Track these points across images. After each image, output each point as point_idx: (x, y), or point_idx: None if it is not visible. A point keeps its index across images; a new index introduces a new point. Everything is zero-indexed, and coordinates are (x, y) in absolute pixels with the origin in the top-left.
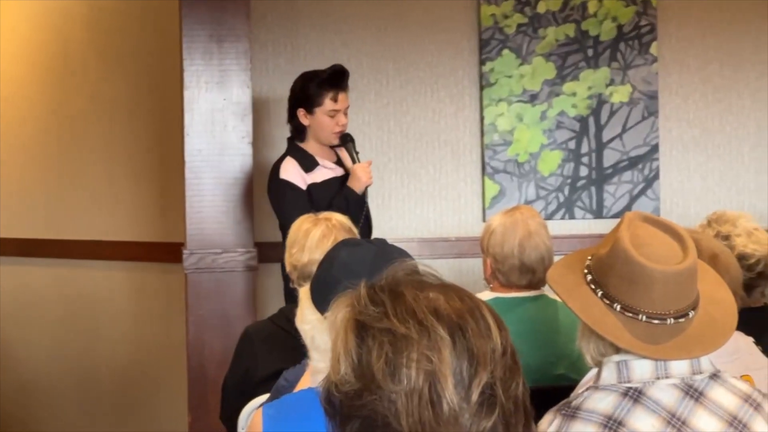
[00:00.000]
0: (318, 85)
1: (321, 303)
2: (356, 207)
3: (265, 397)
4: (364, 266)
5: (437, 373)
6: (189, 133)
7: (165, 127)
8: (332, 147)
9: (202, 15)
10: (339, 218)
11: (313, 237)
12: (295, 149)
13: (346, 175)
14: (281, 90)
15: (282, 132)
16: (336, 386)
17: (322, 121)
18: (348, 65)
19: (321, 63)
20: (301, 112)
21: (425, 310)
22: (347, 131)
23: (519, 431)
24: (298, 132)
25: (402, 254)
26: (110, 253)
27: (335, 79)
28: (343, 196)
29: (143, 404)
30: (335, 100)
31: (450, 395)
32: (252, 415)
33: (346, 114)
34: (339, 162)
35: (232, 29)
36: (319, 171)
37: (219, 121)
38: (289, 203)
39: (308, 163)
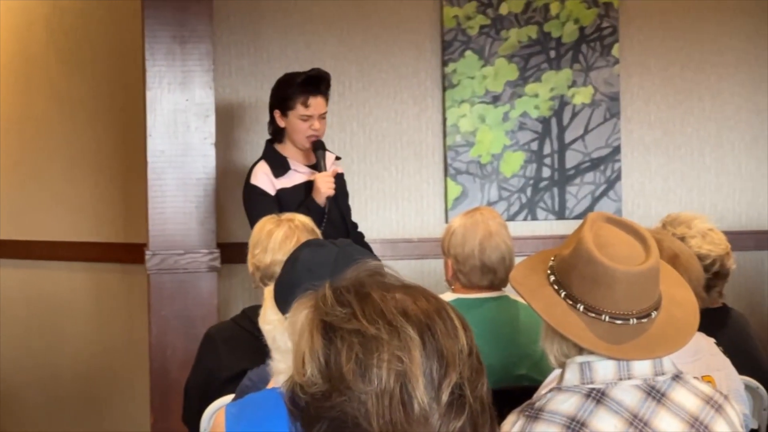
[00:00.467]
0: (292, 88)
1: (283, 304)
2: (316, 217)
3: (228, 398)
4: (326, 267)
5: (408, 374)
6: (151, 134)
7: (127, 127)
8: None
9: (164, 16)
10: (302, 219)
11: (276, 238)
12: (270, 152)
13: None
14: (244, 91)
15: (244, 133)
16: (301, 387)
17: (295, 124)
18: (311, 66)
19: (284, 65)
20: (277, 114)
21: (394, 310)
22: (322, 138)
23: None
24: (277, 133)
25: (365, 255)
26: (72, 253)
27: (309, 83)
28: (305, 206)
29: (106, 405)
30: (306, 104)
31: (421, 395)
32: (215, 415)
33: (322, 119)
34: (316, 165)
35: (195, 30)
36: (290, 176)
37: (181, 122)
38: (255, 208)
39: (280, 168)
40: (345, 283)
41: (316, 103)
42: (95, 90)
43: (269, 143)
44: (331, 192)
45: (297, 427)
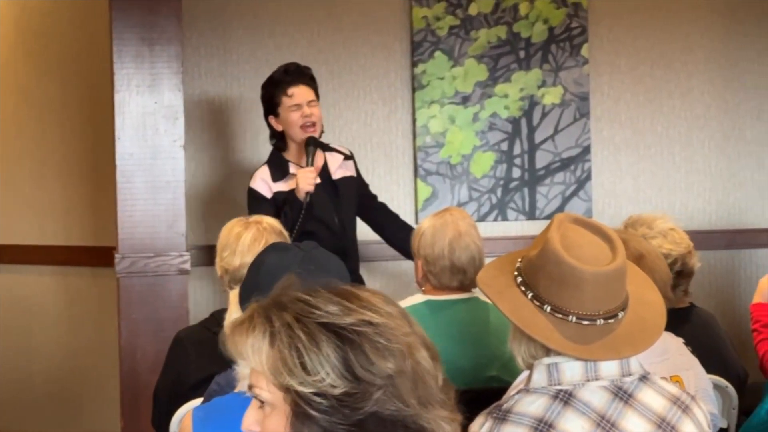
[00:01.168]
0: (272, 86)
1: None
2: (295, 212)
3: (197, 401)
4: (290, 271)
5: (413, 345)
6: (120, 137)
7: (96, 130)
8: (324, 151)
9: (132, 18)
10: (269, 221)
11: (245, 241)
12: (273, 156)
13: (322, 180)
14: (213, 93)
15: (214, 135)
16: (319, 395)
17: (287, 118)
18: None
19: (254, 66)
20: (272, 120)
21: (371, 298)
22: (317, 132)
23: None
24: (279, 141)
25: (330, 259)
26: (41, 257)
27: (286, 74)
28: (288, 201)
29: (76, 408)
30: (289, 94)
31: (425, 361)
32: (183, 418)
33: (311, 106)
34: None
35: (164, 32)
36: (288, 179)
37: (150, 125)
38: (252, 212)
39: (280, 171)
40: (293, 293)
41: (298, 91)
42: (64, 92)
43: (274, 148)
44: (309, 188)
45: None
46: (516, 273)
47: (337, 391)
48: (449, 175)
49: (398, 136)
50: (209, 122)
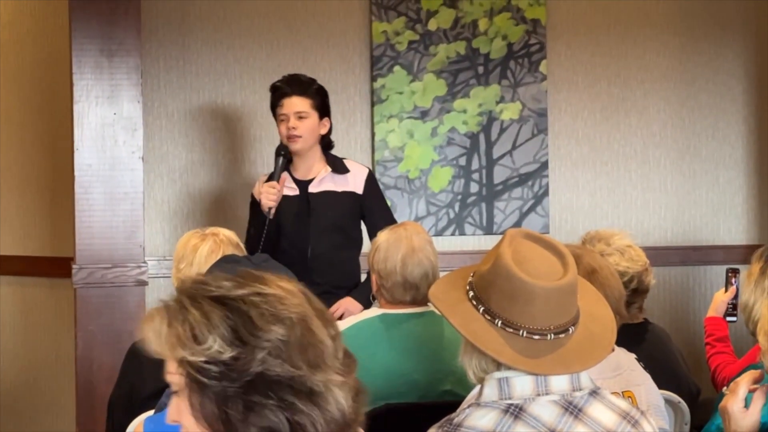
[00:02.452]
0: (272, 94)
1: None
2: (258, 225)
3: (150, 413)
4: None
5: (307, 314)
6: (78, 148)
7: (55, 141)
8: (328, 159)
9: (92, 29)
10: (226, 233)
11: (201, 252)
12: (281, 163)
13: (299, 193)
14: (172, 105)
15: (173, 147)
16: (209, 362)
17: (279, 128)
18: (240, 81)
19: (213, 79)
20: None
21: (264, 276)
22: (303, 145)
23: None
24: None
25: (279, 271)
26: None
27: (283, 84)
28: (254, 213)
29: (32, 420)
30: (281, 105)
31: (318, 329)
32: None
33: (299, 118)
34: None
35: (123, 44)
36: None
37: (109, 136)
38: (250, 215)
39: (271, 179)
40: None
41: (289, 102)
42: (23, 102)
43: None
44: (269, 203)
45: (224, 396)
46: (468, 288)
47: (225, 356)
48: (407, 189)
49: (357, 150)
50: (168, 134)
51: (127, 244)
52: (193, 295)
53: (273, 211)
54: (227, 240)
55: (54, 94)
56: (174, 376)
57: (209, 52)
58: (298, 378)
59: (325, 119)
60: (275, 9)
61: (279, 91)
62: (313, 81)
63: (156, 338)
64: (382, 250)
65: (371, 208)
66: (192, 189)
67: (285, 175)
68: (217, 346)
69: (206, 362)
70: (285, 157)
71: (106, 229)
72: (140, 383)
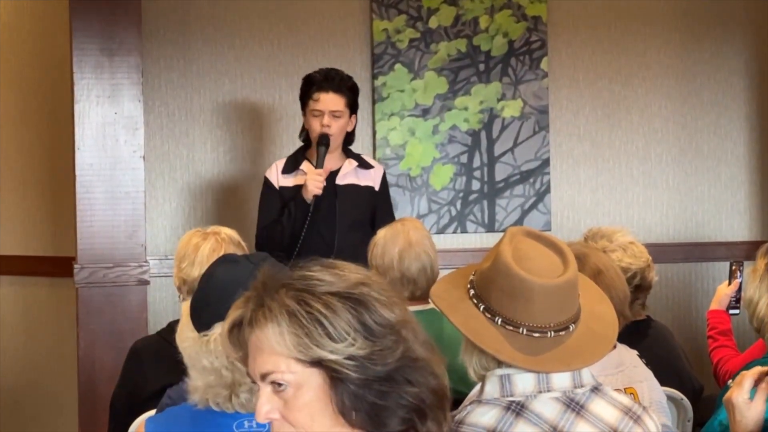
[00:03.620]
0: (307, 85)
1: (197, 321)
2: (299, 213)
3: (152, 412)
4: (240, 284)
5: (396, 294)
6: (80, 147)
7: (56, 141)
8: (347, 155)
9: (92, 29)
10: (228, 232)
11: (203, 251)
12: (297, 150)
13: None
14: (173, 104)
15: (174, 146)
16: (351, 358)
17: (308, 121)
18: (240, 80)
19: (213, 78)
20: (303, 114)
21: (344, 265)
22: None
23: None
24: (306, 137)
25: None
26: (0, 267)
27: (320, 78)
28: (293, 201)
29: (34, 420)
30: (315, 99)
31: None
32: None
33: (335, 117)
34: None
35: (123, 43)
36: (296, 175)
37: (110, 135)
38: (260, 199)
39: (292, 165)
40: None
41: (326, 98)
42: (23, 102)
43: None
44: (316, 191)
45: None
46: (469, 286)
47: (364, 352)
48: (409, 187)
49: (359, 148)
50: (169, 133)
51: (128, 244)
52: (309, 291)
53: (315, 199)
54: (229, 239)
55: (55, 93)
56: (287, 374)
57: (210, 51)
58: (421, 360)
59: (353, 116)
60: (276, 8)
61: (315, 85)
62: (349, 78)
63: (275, 337)
64: (379, 246)
65: (381, 207)
66: (193, 188)
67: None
68: (356, 343)
69: (347, 358)
70: (327, 146)
71: (107, 228)
72: (142, 382)
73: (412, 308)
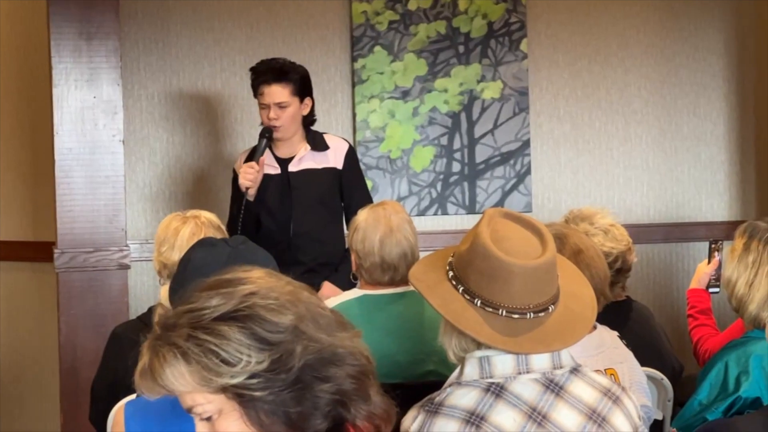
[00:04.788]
0: (252, 78)
1: (176, 305)
2: (236, 206)
3: (132, 397)
4: (217, 267)
5: (295, 291)
6: (58, 132)
7: (35, 125)
8: (309, 136)
9: (70, 12)
10: (207, 216)
11: (183, 235)
12: (263, 144)
13: (280, 171)
14: (152, 87)
15: (153, 130)
16: (253, 376)
17: (260, 113)
18: (220, 63)
19: (192, 61)
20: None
21: (240, 275)
22: (285, 134)
23: None
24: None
25: (257, 253)
26: None
27: (262, 70)
28: (234, 195)
29: (16, 405)
30: (261, 93)
31: (311, 298)
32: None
33: (280, 108)
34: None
35: (101, 27)
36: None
37: (89, 119)
38: (231, 192)
39: (251, 156)
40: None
41: (269, 91)
42: (2, 87)
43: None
44: (247, 183)
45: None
46: (448, 268)
47: (264, 365)
48: (389, 169)
49: (339, 130)
50: (149, 116)
51: (108, 228)
52: (195, 325)
53: (251, 191)
54: (208, 222)
55: (33, 78)
56: (206, 405)
57: (189, 34)
58: (328, 350)
59: (307, 99)
60: None
61: (259, 78)
62: (292, 66)
63: (176, 379)
64: (360, 230)
65: (349, 185)
66: (173, 171)
67: (264, 156)
68: (253, 359)
69: (250, 377)
70: (269, 139)
71: (87, 212)
72: (122, 367)
73: (391, 291)
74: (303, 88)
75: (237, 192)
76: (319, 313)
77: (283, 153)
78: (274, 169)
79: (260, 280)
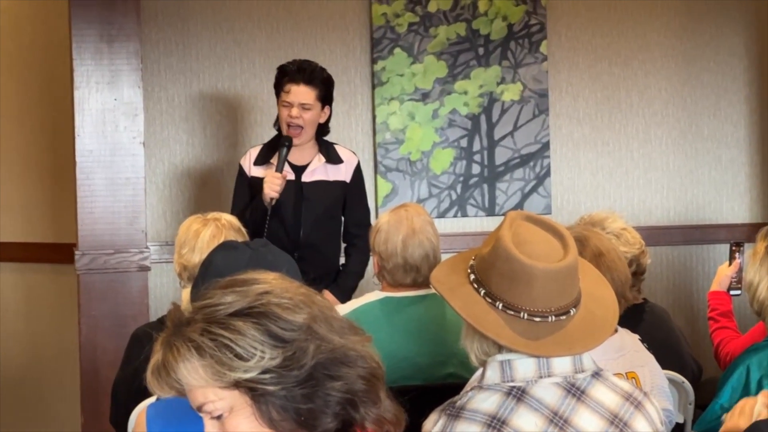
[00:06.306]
0: (279, 75)
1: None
2: (258, 215)
3: (152, 399)
4: (238, 270)
5: (309, 293)
6: (80, 134)
7: (56, 127)
8: (321, 146)
9: (91, 15)
10: (228, 218)
11: (204, 237)
12: (272, 139)
13: (294, 179)
14: (173, 89)
15: (174, 132)
16: (266, 371)
17: (279, 111)
18: (240, 64)
19: (212, 62)
20: (277, 102)
21: (255, 276)
22: (304, 137)
23: None
24: (280, 127)
25: (278, 257)
26: (1, 254)
27: (292, 69)
28: (253, 203)
29: (36, 406)
30: (287, 91)
31: (323, 302)
32: (138, 415)
33: (304, 109)
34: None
35: (122, 29)
36: (268, 167)
37: (110, 122)
38: (235, 185)
39: (264, 156)
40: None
41: (296, 90)
42: (24, 89)
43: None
44: (273, 194)
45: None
46: (469, 271)
47: (277, 361)
48: (409, 171)
49: (358, 132)
50: (169, 118)
51: (129, 230)
52: (209, 320)
53: (274, 201)
54: (229, 224)
55: (54, 80)
56: (218, 402)
57: (209, 35)
58: (339, 351)
59: (327, 107)
60: None
61: (287, 76)
62: (322, 71)
63: (189, 373)
64: (383, 232)
65: (351, 199)
66: (194, 173)
67: (287, 167)
68: (266, 355)
69: (262, 373)
70: (288, 147)
71: (108, 214)
72: (143, 369)
73: (412, 293)
74: (326, 95)
75: (241, 189)
76: (331, 315)
77: (295, 159)
78: (290, 174)
79: (274, 281)
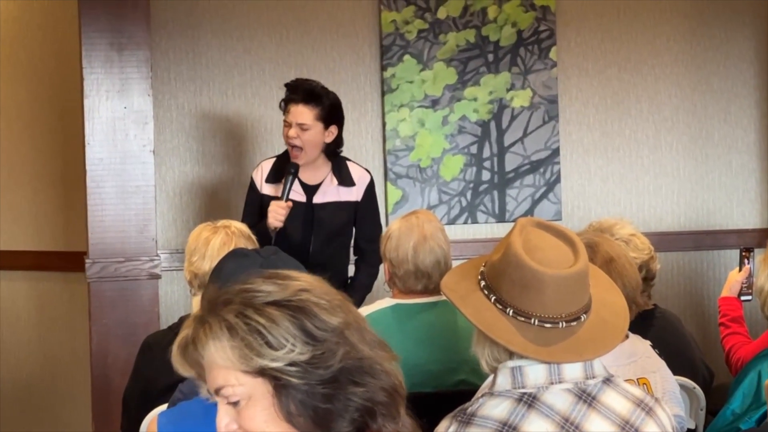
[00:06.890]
0: (285, 94)
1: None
2: (261, 239)
3: (164, 407)
4: None
5: (344, 300)
6: (90, 142)
7: (66, 135)
8: (333, 164)
9: (101, 23)
10: (238, 226)
11: (214, 245)
12: (283, 154)
13: (305, 200)
14: (183, 97)
15: (184, 140)
16: (292, 364)
17: (283, 130)
18: (250, 72)
19: (223, 70)
20: None
21: (293, 273)
22: (297, 162)
23: None
24: None
25: (288, 264)
26: (12, 262)
27: (292, 88)
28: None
29: (47, 414)
30: (287, 110)
31: (356, 311)
32: (149, 423)
33: (302, 129)
34: (330, 182)
35: (132, 37)
36: (279, 187)
37: (120, 130)
38: (246, 198)
39: (275, 174)
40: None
41: (295, 110)
42: (34, 97)
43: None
44: (276, 223)
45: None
46: (480, 277)
47: (305, 356)
48: (419, 178)
49: (368, 139)
50: (179, 126)
51: (139, 238)
52: (247, 303)
53: (278, 229)
54: (239, 232)
55: (64, 88)
56: (237, 387)
57: (219, 43)
58: (367, 361)
59: (332, 127)
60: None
61: (289, 95)
62: (324, 91)
63: (217, 351)
64: (394, 239)
65: (363, 217)
66: (204, 181)
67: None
68: (296, 348)
69: (289, 365)
70: (294, 175)
71: (118, 222)
72: (154, 377)
73: (424, 300)
74: (330, 115)
75: (252, 203)
76: (364, 327)
77: (306, 178)
78: (300, 196)
79: (315, 282)
